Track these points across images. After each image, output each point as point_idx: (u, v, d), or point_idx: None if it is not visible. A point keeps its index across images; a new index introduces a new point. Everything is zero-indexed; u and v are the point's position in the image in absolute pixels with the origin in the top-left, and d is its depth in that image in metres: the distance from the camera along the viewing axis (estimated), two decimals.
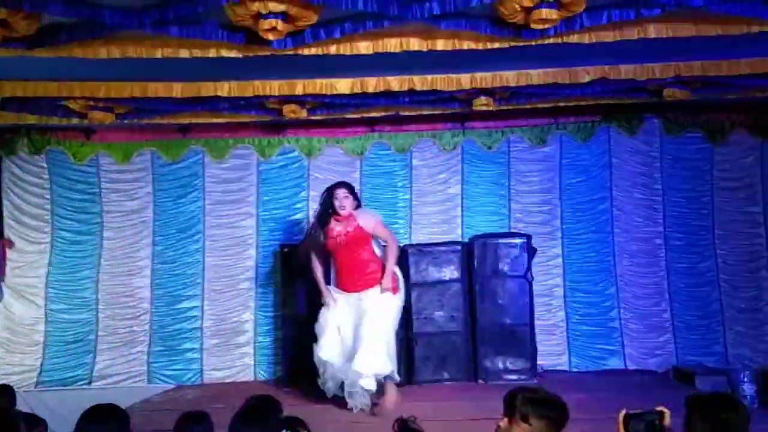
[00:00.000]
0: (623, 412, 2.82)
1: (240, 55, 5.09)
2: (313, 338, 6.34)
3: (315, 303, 6.57)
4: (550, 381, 6.83)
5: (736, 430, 2.72)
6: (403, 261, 7.46)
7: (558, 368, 7.92)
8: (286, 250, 7.66)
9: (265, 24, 4.51)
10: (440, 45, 5.08)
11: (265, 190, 8.29)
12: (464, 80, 6.16)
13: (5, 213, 8.06)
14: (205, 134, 8.16)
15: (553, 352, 7.96)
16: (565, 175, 8.23)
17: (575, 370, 7.96)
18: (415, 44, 5.06)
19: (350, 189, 6.44)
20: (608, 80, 6.25)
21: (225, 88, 6.13)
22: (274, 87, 6.16)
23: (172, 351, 8.07)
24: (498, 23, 4.83)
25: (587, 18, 4.76)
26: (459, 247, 7.66)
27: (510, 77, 6.13)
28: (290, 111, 6.86)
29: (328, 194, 6.39)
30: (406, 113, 7.44)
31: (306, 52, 5.04)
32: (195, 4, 4.42)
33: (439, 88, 6.25)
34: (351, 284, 6.26)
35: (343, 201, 6.29)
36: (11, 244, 8.00)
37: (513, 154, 8.28)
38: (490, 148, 8.25)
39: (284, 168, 8.32)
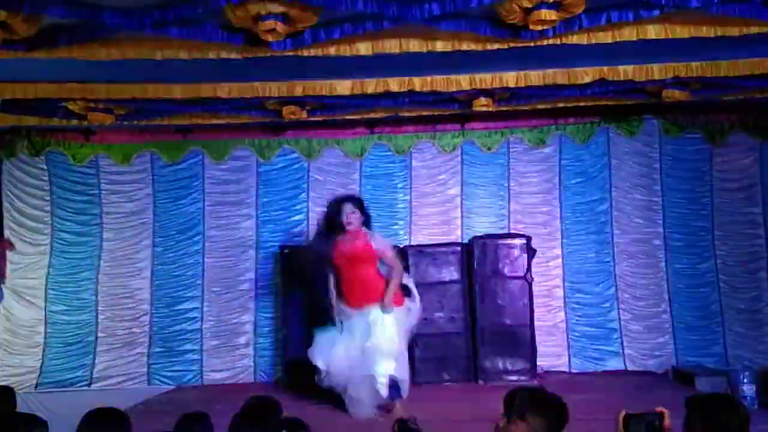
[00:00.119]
0: (623, 412, 2.82)
1: (240, 57, 5.10)
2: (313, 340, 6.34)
3: (315, 304, 6.56)
4: (550, 382, 6.83)
5: (735, 431, 2.72)
6: (403, 262, 7.48)
7: (558, 369, 7.93)
8: (285, 251, 7.67)
9: (265, 25, 4.52)
10: (440, 46, 5.09)
11: (265, 192, 8.30)
12: (464, 81, 6.16)
13: (5, 215, 8.06)
14: (205, 136, 8.17)
15: (552, 353, 7.97)
16: (564, 176, 8.24)
17: (575, 370, 7.96)
18: (414, 45, 5.07)
19: (358, 204, 6.31)
20: (607, 81, 6.25)
21: (225, 90, 6.14)
22: (274, 88, 6.17)
23: (172, 352, 8.08)
24: (497, 24, 4.84)
25: (586, 19, 4.76)
26: (459, 248, 7.68)
27: (509, 78, 6.14)
28: (290, 112, 6.87)
29: (336, 208, 6.27)
30: (406, 114, 7.45)
31: (306, 53, 5.05)
32: (195, 5, 4.42)
33: (438, 89, 6.25)
34: (356, 300, 6.16)
35: (350, 217, 6.16)
36: (11, 245, 8.00)
37: (512, 155, 8.29)
38: (489, 149, 8.26)
39: (284, 169, 8.33)
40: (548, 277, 8.08)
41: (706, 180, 8.14)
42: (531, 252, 7.58)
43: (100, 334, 8.04)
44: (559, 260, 8.15)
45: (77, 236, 8.16)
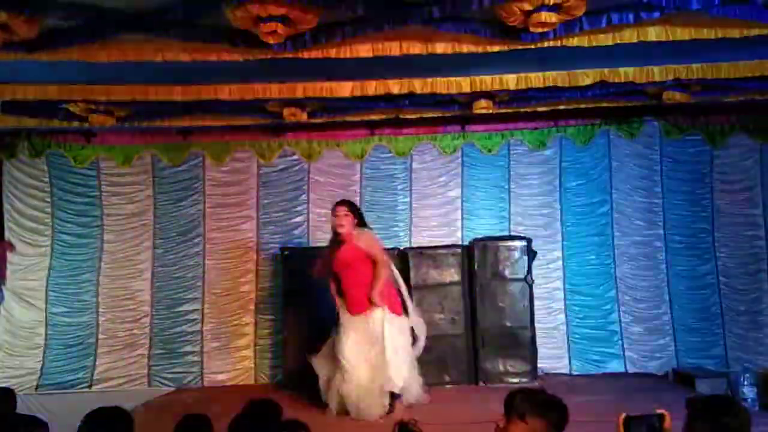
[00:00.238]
0: (623, 414, 2.81)
1: (240, 59, 5.10)
2: (314, 342, 6.33)
3: (315, 306, 6.56)
4: (551, 384, 6.81)
5: None
6: (403, 264, 7.49)
7: (558, 371, 7.92)
8: (286, 253, 7.68)
9: (266, 27, 4.52)
10: (440, 48, 5.09)
11: (266, 194, 8.31)
12: (464, 83, 6.16)
13: (6, 216, 8.08)
14: (206, 137, 8.18)
15: (553, 355, 7.97)
16: (565, 178, 8.24)
17: (575, 372, 7.96)
18: (415, 48, 5.07)
19: (351, 206, 6.31)
20: (608, 83, 6.25)
21: (225, 92, 6.14)
22: (275, 90, 6.17)
23: (173, 354, 8.08)
24: (498, 27, 4.84)
25: (587, 21, 4.76)
26: (459, 250, 7.68)
27: (510, 80, 6.14)
28: (290, 114, 6.87)
29: (332, 212, 6.31)
30: (406, 116, 7.45)
31: (306, 55, 5.05)
32: (195, 7, 4.42)
33: (439, 92, 6.25)
34: (355, 305, 6.15)
35: (342, 219, 6.16)
36: (12, 247, 8.00)
37: (513, 157, 8.30)
38: (490, 151, 8.26)
39: (284, 171, 8.33)
40: (549, 279, 8.09)
41: (707, 182, 8.14)
42: (531, 254, 7.58)
43: (100, 336, 8.05)
44: (560, 262, 8.16)
45: (78, 238, 8.17)
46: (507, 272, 7.53)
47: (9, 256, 8.00)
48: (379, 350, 5.96)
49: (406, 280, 7.45)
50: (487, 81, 6.14)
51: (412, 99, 6.61)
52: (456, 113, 7.36)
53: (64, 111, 6.71)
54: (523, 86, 6.19)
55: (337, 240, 6.23)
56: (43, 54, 4.88)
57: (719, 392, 6.40)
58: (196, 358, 8.08)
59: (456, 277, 7.55)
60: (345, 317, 6.18)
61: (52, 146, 8.11)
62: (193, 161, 8.30)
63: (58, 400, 7.36)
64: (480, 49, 5.12)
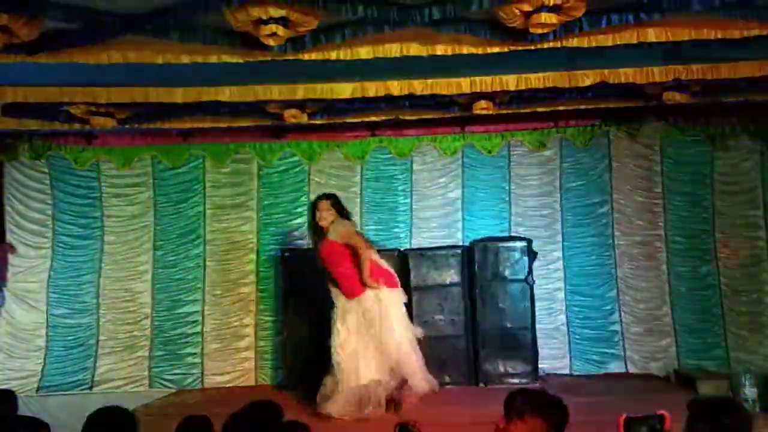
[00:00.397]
0: (624, 416, 2.81)
1: (241, 60, 5.10)
2: (315, 343, 6.33)
3: (316, 306, 6.56)
4: (551, 385, 6.82)
5: None
6: (403, 265, 7.50)
7: (559, 372, 7.92)
8: (286, 254, 7.68)
9: (266, 29, 4.52)
10: (440, 49, 5.09)
11: (266, 195, 8.31)
12: (464, 84, 6.15)
13: (7, 218, 8.09)
14: (206, 139, 8.19)
15: (554, 355, 7.96)
16: (565, 178, 8.24)
17: (576, 373, 7.95)
18: (415, 49, 5.07)
19: (333, 200, 6.34)
20: (608, 84, 6.24)
21: (226, 93, 6.14)
22: (275, 92, 6.17)
23: (173, 355, 8.08)
24: (497, 27, 4.84)
25: (587, 22, 4.77)
26: (459, 251, 7.68)
27: (510, 81, 6.14)
28: (291, 116, 6.87)
29: (312, 206, 6.39)
30: (407, 117, 7.45)
31: (306, 57, 5.06)
32: (196, 9, 4.43)
33: (439, 93, 6.25)
34: (347, 293, 6.20)
35: (323, 213, 6.23)
36: (12, 249, 8.02)
37: (513, 157, 8.30)
38: (490, 152, 8.26)
39: (285, 173, 8.34)
40: (549, 280, 8.08)
41: (707, 182, 8.13)
42: (532, 255, 7.58)
43: (101, 338, 8.05)
44: (560, 263, 8.15)
45: (78, 239, 8.17)
46: (507, 273, 7.53)
47: (10, 258, 8.02)
48: (379, 330, 5.99)
49: (407, 281, 7.47)
50: (487, 82, 6.14)
51: (413, 100, 6.61)
52: (456, 114, 7.35)
53: (65, 113, 6.72)
54: (523, 87, 6.19)
55: (320, 234, 6.26)
56: (43, 56, 4.89)
57: (721, 393, 6.39)
58: (196, 360, 8.08)
59: (456, 278, 7.55)
60: (341, 301, 6.22)
61: (53, 148, 8.12)
62: (194, 163, 8.30)
63: (59, 401, 7.38)
64: (480, 50, 5.12)
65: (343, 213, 6.32)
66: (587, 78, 6.13)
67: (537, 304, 7.62)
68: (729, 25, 4.89)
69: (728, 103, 7.29)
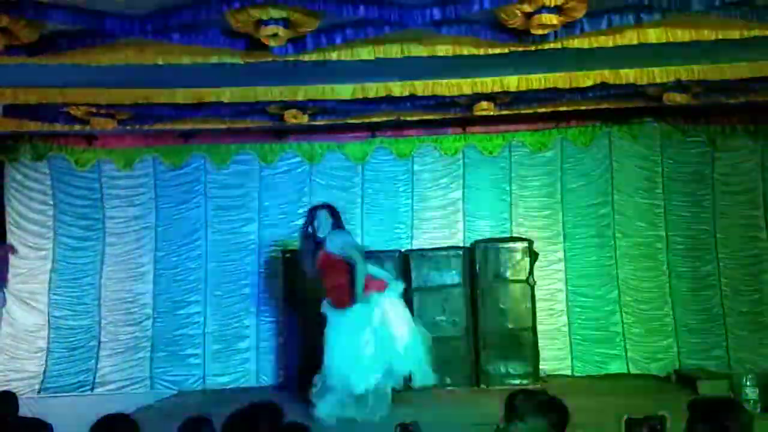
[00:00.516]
0: (625, 416, 2.82)
1: (241, 62, 5.11)
2: (316, 344, 6.33)
3: (317, 307, 6.56)
4: (553, 385, 6.83)
5: None
6: (405, 266, 7.50)
7: (560, 373, 7.91)
8: (287, 255, 7.68)
9: (267, 30, 4.53)
10: (441, 50, 5.10)
11: (267, 196, 8.32)
12: (465, 85, 6.17)
13: (8, 219, 8.09)
14: (207, 140, 8.19)
15: (555, 356, 7.96)
16: (566, 179, 8.23)
17: (578, 374, 7.95)
18: (416, 50, 5.08)
19: (331, 211, 6.36)
20: (609, 85, 6.25)
21: (227, 95, 6.15)
22: (276, 93, 6.19)
23: (175, 356, 8.08)
24: (498, 28, 4.84)
25: (587, 23, 4.77)
26: (461, 252, 7.68)
27: (511, 82, 6.15)
28: (292, 117, 6.88)
29: (309, 215, 6.40)
30: (408, 118, 7.46)
31: (307, 58, 5.07)
32: (196, 11, 4.43)
33: (440, 94, 6.26)
34: (337, 302, 6.23)
35: (322, 223, 6.26)
36: (14, 250, 8.02)
37: (514, 158, 8.29)
38: (491, 152, 8.25)
39: (286, 173, 8.34)
40: (550, 281, 8.08)
41: (708, 183, 8.13)
42: (533, 255, 7.58)
43: (102, 339, 8.05)
44: (561, 264, 8.15)
45: (80, 241, 8.17)
46: (508, 274, 7.53)
47: (11, 259, 8.02)
48: (373, 333, 6.03)
49: (408, 282, 7.47)
50: (488, 83, 6.15)
51: (413, 101, 6.61)
52: (457, 115, 7.36)
53: (66, 114, 6.73)
54: (523, 88, 6.20)
55: (315, 242, 6.29)
56: (44, 57, 4.90)
57: (722, 394, 6.38)
58: (198, 361, 8.08)
59: (457, 279, 7.55)
60: (330, 311, 6.26)
61: (54, 149, 8.12)
62: (195, 164, 8.31)
63: (61, 403, 7.36)
64: (481, 51, 5.13)
65: (338, 223, 6.33)
66: (588, 79, 6.13)
67: (538, 304, 7.62)
68: (729, 26, 4.89)
69: (728, 104, 7.29)
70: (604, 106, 7.25)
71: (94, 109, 6.55)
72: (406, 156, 8.29)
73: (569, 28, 4.79)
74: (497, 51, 5.11)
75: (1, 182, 8.13)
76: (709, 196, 8.11)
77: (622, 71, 6.09)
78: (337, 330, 6.15)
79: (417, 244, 8.12)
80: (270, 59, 5.03)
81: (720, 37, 4.97)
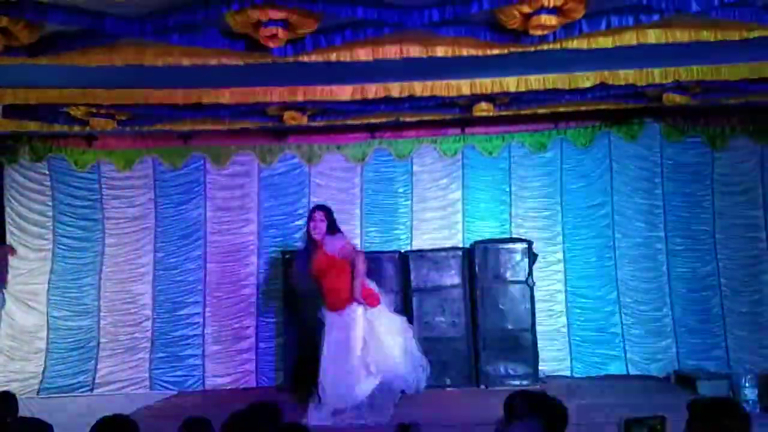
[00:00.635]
0: (625, 417, 2.82)
1: (241, 63, 5.12)
2: (315, 345, 6.34)
3: (316, 308, 6.57)
4: (552, 386, 6.83)
5: None
6: (404, 267, 7.50)
7: (560, 374, 7.92)
8: (287, 256, 7.67)
9: (266, 32, 4.53)
10: (440, 51, 5.10)
11: (267, 197, 8.32)
12: (464, 86, 6.16)
13: (7, 220, 8.09)
14: (207, 141, 8.19)
15: (555, 357, 7.96)
16: (565, 180, 8.24)
17: (577, 375, 7.95)
18: (415, 51, 5.08)
19: (327, 213, 6.37)
20: (608, 86, 6.25)
21: (226, 96, 6.15)
22: (275, 94, 6.18)
23: (174, 357, 8.09)
24: (497, 29, 4.85)
25: (586, 24, 4.77)
26: (460, 253, 7.68)
27: (510, 83, 6.14)
28: (291, 117, 6.89)
29: (308, 217, 6.43)
30: (407, 119, 7.46)
31: (306, 59, 5.07)
32: (195, 12, 4.43)
33: (439, 94, 6.26)
34: (333, 305, 6.24)
35: (318, 224, 6.26)
36: (13, 251, 8.02)
37: (513, 159, 8.29)
38: (490, 153, 8.26)
39: (285, 174, 8.34)
40: (550, 282, 8.08)
41: (708, 183, 8.13)
42: (532, 256, 7.58)
43: (102, 340, 8.05)
44: (561, 264, 8.15)
45: (79, 241, 8.18)
46: (508, 275, 7.53)
47: (10, 260, 8.02)
48: (359, 345, 6.03)
49: (407, 282, 7.48)
50: (487, 84, 6.15)
51: (413, 102, 6.62)
52: (456, 116, 7.37)
53: (65, 115, 6.73)
54: (523, 89, 6.20)
55: (312, 245, 6.30)
56: (44, 58, 4.90)
57: (721, 394, 6.38)
58: (197, 362, 8.08)
59: (457, 280, 7.56)
60: (325, 315, 6.28)
61: (54, 150, 8.12)
62: (194, 164, 8.31)
63: (60, 403, 7.35)
64: (480, 52, 5.12)
65: (333, 226, 6.34)
66: (587, 80, 6.14)
67: (537, 305, 7.62)
68: (728, 27, 4.90)
69: (728, 105, 7.30)
70: (603, 106, 7.26)
71: (93, 110, 6.56)
72: (405, 157, 8.30)
73: (568, 29, 4.79)
74: (496, 52, 5.12)
75: (0, 183, 8.13)
76: (708, 197, 8.11)
77: (621, 72, 6.08)
78: (329, 335, 6.17)
79: (416, 245, 8.11)
80: (269, 60, 5.03)
81: (719, 38, 4.97)
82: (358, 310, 6.13)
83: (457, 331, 7.47)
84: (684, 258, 8.10)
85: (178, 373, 8.06)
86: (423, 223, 8.29)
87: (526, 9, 4.48)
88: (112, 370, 8.01)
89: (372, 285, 6.38)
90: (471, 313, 7.50)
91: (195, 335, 8.13)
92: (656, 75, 6.09)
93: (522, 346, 7.42)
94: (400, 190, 8.34)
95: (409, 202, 8.31)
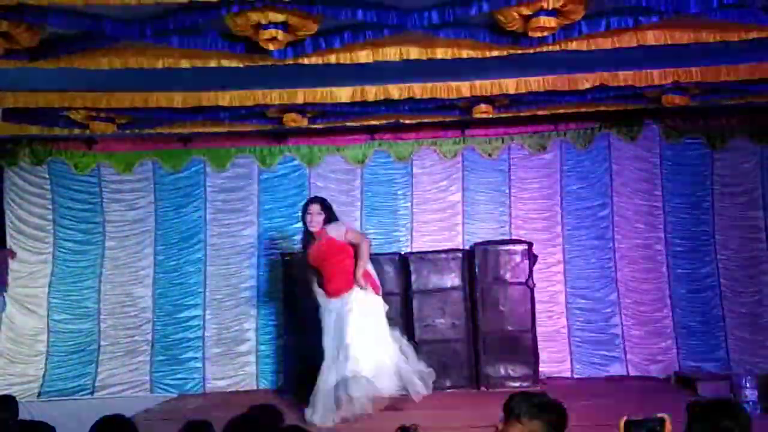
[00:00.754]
0: (624, 418, 2.81)
1: (241, 65, 5.13)
2: (316, 347, 6.33)
3: (316, 310, 6.57)
4: (552, 388, 6.82)
5: None
6: (404, 269, 7.50)
7: (560, 375, 7.91)
8: (287, 258, 7.67)
9: (266, 34, 4.54)
10: (440, 53, 5.11)
11: (266, 199, 8.32)
12: (464, 88, 6.17)
13: (7, 223, 8.09)
14: (207, 144, 8.19)
15: (555, 358, 7.95)
16: (565, 181, 8.24)
17: (577, 376, 7.95)
18: (414, 53, 5.09)
19: (323, 205, 6.39)
20: (607, 87, 6.26)
21: (226, 98, 6.16)
22: (275, 96, 6.19)
23: (174, 360, 8.08)
24: (497, 31, 4.86)
25: (586, 25, 4.78)
26: (460, 255, 7.68)
27: (509, 85, 6.15)
28: (291, 120, 6.89)
29: (303, 210, 6.44)
30: (407, 121, 7.47)
31: (306, 61, 5.08)
32: (195, 14, 4.44)
33: (438, 96, 6.27)
34: (334, 291, 6.23)
35: (315, 217, 6.28)
36: (13, 254, 8.02)
37: (513, 161, 8.30)
38: (490, 155, 8.26)
39: (285, 177, 8.34)
40: (550, 283, 8.07)
41: (707, 184, 8.13)
42: (532, 258, 7.57)
43: (102, 343, 8.04)
44: (561, 266, 8.14)
45: (79, 245, 8.17)
46: (508, 276, 7.53)
47: (10, 263, 8.02)
48: (349, 340, 6.01)
49: (407, 284, 7.47)
50: (487, 85, 6.16)
51: (413, 104, 6.62)
52: (456, 118, 7.37)
53: (65, 118, 6.73)
54: (522, 90, 6.20)
55: (309, 238, 6.32)
56: (44, 62, 4.91)
57: (721, 395, 6.38)
58: (197, 364, 8.07)
59: (457, 282, 7.55)
60: (324, 302, 6.29)
61: (54, 153, 8.12)
62: (194, 167, 8.31)
63: (60, 407, 7.34)
64: (479, 54, 5.13)
65: (331, 217, 6.35)
66: (587, 81, 6.14)
67: (537, 307, 7.61)
68: (727, 28, 4.90)
69: (727, 106, 7.30)
70: (603, 108, 7.25)
71: (93, 113, 6.55)
72: (405, 158, 8.30)
73: (568, 30, 4.80)
74: (496, 54, 5.12)
75: (0, 186, 8.13)
76: (708, 198, 8.11)
77: (621, 73, 6.09)
78: (329, 318, 6.20)
79: (416, 247, 8.11)
80: (269, 63, 5.04)
81: (718, 39, 4.98)
82: (359, 294, 6.13)
83: (458, 333, 7.46)
84: (684, 259, 8.10)
85: (179, 375, 8.05)
86: (423, 224, 8.29)
87: (525, 11, 4.49)
88: (112, 373, 8.00)
89: (374, 273, 6.41)
90: (471, 314, 7.49)
91: (195, 338, 8.12)
92: (655, 76, 6.09)
93: (522, 347, 7.41)
94: (400, 192, 8.33)
95: (409, 204, 8.31)
